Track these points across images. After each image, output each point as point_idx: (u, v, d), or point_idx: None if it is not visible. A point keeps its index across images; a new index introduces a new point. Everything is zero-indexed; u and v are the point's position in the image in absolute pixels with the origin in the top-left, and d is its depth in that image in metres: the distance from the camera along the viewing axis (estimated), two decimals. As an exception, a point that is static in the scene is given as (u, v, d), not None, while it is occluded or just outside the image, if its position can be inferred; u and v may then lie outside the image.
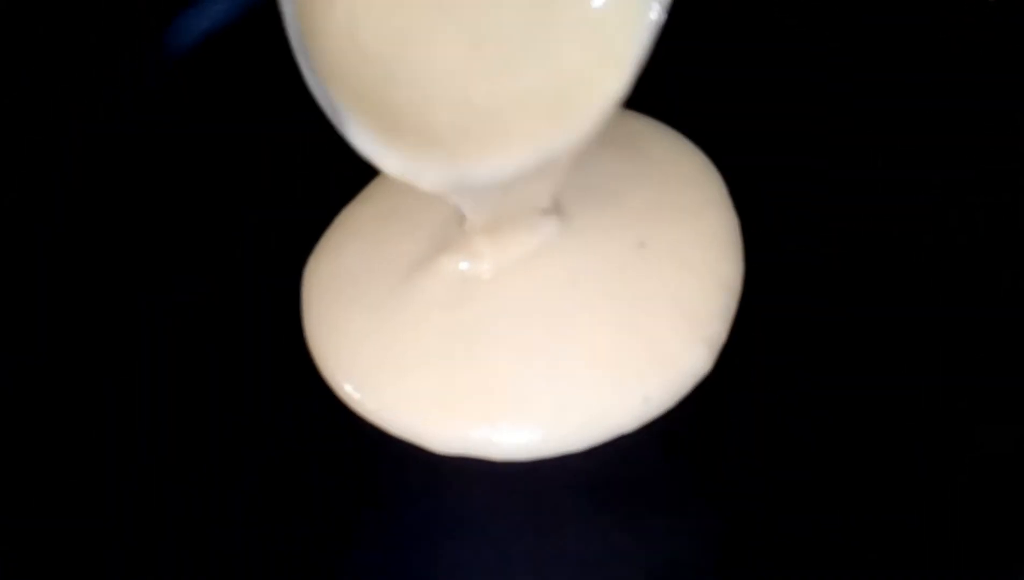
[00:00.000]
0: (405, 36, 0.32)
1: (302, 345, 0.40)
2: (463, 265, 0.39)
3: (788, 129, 0.42)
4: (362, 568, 0.34)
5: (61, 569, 0.34)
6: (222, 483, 0.36)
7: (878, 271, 0.38)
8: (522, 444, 0.36)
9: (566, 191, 0.39)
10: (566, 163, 0.35)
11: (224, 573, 0.34)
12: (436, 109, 0.32)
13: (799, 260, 0.39)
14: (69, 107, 0.45)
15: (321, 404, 0.38)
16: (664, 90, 0.43)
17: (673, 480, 0.35)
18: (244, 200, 0.43)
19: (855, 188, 0.40)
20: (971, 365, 0.36)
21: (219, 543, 0.35)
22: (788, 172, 0.41)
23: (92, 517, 0.36)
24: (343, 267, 0.41)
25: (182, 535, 0.35)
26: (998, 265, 0.38)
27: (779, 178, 0.41)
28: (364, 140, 0.31)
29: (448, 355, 0.38)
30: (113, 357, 0.40)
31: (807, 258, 0.39)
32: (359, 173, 0.42)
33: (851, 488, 0.34)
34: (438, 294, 0.39)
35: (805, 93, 0.43)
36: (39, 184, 0.43)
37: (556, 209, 0.40)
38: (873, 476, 0.34)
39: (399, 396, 0.38)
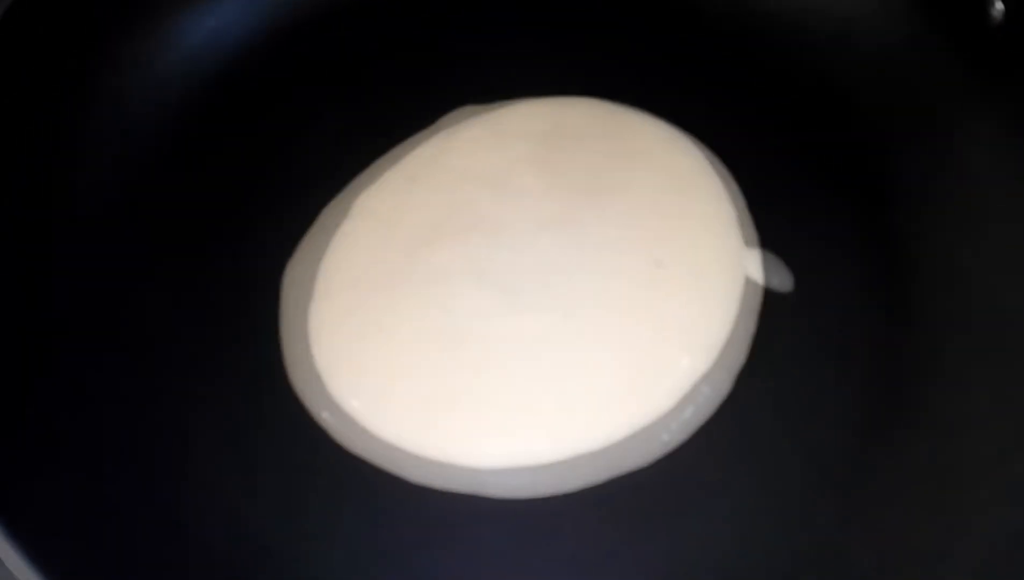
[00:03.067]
0: None
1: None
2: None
3: (804, 139, 0.41)
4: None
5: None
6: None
7: (896, 288, 0.37)
8: (526, 486, 0.35)
9: (581, 208, 0.38)
10: None
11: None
12: None
13: (818, 276, 0.38)
14: (76, 102, 0.42)
15: (297, 427, 0.36)
16: (684, 96, 0.42)
17: (684, 499, 0.34)
18: (240, 197, 0.42)
19: (875, 204, 0.39)
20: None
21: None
22: (805, 183, 0.40)
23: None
24: (323, 275, 0.39)
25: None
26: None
27: (796, 190, 0.40)
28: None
29: (444, 389, 0.36)
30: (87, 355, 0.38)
31: (826, 273, 0.38)
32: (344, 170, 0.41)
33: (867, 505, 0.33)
34: (429, 325, 0.37)
35: (824, 108, 0.42)
36: (42, 182, 0.41)
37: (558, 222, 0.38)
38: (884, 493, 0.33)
39: (386, 430, 0.35)
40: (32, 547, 0.31)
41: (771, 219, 0.39)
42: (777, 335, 0.37)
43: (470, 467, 0.35)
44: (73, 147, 0.42)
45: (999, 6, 0.39)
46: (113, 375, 0.37)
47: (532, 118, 0.41)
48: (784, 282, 0.37)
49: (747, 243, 0.38)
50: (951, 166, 0.39)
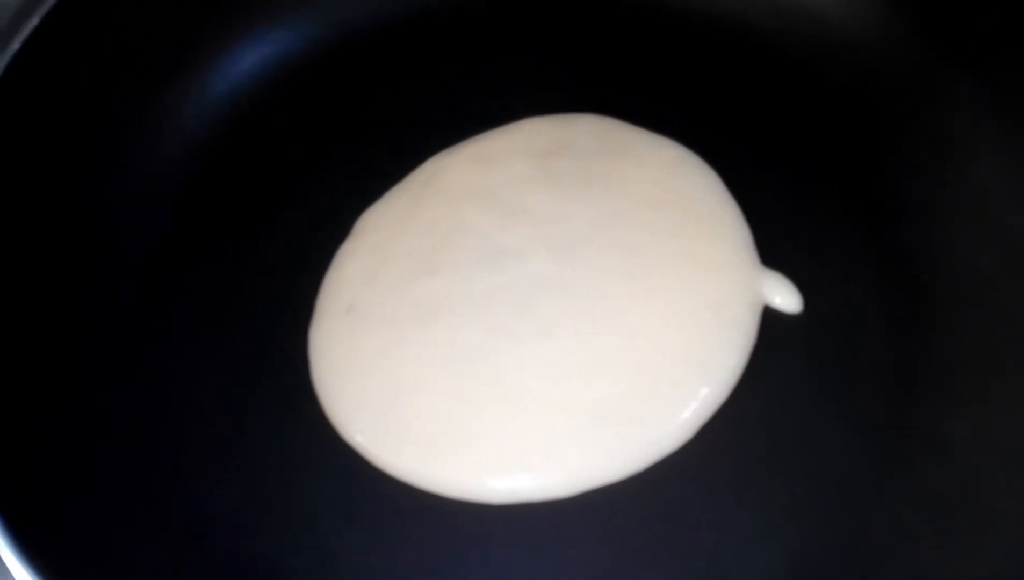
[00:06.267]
0: None
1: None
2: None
3: (810, 158, 0.41)
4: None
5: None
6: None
7: (906, 306, 0.37)
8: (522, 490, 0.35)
9: (588, 228, 0.38)
10: None
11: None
12: None
13: (826, 296, 0.37)
14: (133, 114, 0.44)
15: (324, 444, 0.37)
16: (691, 115, 0.42)
17: (692, 518, 0.34)
18: (273, 213, 0.42)
19: (883, 223, 0.39)
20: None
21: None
22: (811, 202, 0.39)
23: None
24: (322, 296, 0.39)
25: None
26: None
27: (802, 209, 0.39)
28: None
29: (450, 423, 0.35)
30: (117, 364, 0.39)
31: (834, 293, 0.37)
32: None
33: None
34: (431, 356, 0.36)
35: (831, 126, 0.41)
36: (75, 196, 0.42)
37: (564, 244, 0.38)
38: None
39: (393, 465, 0.35)
40: (40, 555, 0.31)
41: (778, 239, 0.38)
42: (786, 357, 0.36)
43: (480, 502, 0.34)
44: (113, 165, 0.42)
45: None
46: (128, 385, 0.38)
47: (537, 135, 0.41)
48: (793, 303, 0.36)
49: (758, 263, 0.37)
50: (959, 179, 0.38)
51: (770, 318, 0.37)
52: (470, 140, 0.42)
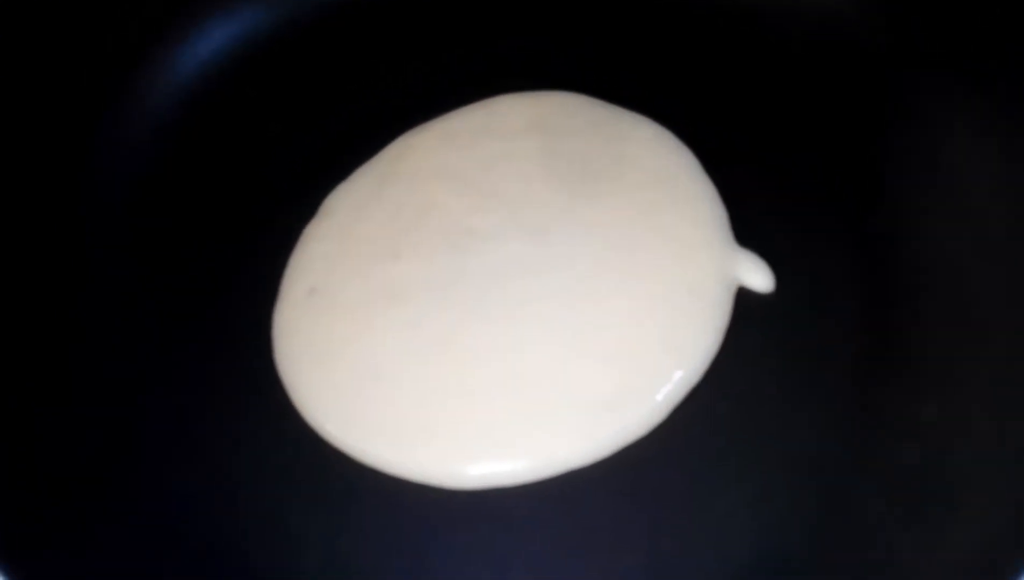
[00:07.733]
0: None
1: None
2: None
3: (787, 139, 0.40)
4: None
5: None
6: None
7: (879, 288, 0.36)
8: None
9: (562, 209, 0.38)
10: None
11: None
12: None
13: (799, 276, 0.37)
14: (98, 99, 0.44)
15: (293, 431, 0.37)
16: (668, 93, 0.41)
17: (664, 500, 0.34)
18: (243, 194, 0.42)
19: (858, 205, 0.38)
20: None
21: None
22: (785, 182, 0.39)
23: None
24: (287, 280, 0.38)
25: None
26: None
27: (776, 188, 0.39)
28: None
29: (418, 411, 0.35)
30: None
31: (807, 273, 0.37)
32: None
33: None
34: (397, 343, 0.36)
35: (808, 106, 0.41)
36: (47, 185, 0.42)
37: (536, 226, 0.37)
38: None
39: (363, 454, 0.35)
40: (9, 552, 0.31)
41: (752, 219, 0.38)
42: (758, 337, 0.36)
43: (448, 487, 0.34)
44: (82, 148, 0.42)
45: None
46: (127, 384, 0.38)
47: (510, 114, 0.40)
48: (765, 283, 0.36)
49: (733, 244, 0.37)
50: (933, 163, 0.38)
51: (743, 298, 0.37)
52: (441, 118, 0.41)
